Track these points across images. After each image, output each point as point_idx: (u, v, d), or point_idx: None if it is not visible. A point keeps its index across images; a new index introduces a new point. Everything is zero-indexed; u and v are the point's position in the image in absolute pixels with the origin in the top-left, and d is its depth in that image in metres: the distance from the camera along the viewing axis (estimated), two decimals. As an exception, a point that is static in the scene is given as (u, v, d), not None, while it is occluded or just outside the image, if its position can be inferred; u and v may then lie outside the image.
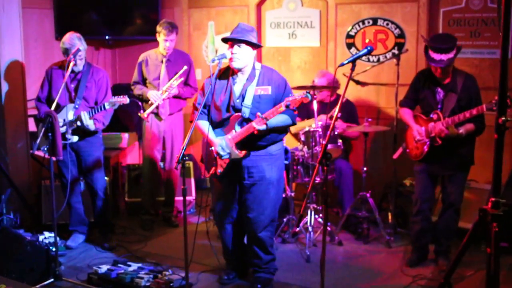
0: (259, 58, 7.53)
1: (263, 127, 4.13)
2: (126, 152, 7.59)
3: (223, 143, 4.35)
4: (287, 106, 4.07)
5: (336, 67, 3.68)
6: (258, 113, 4.13)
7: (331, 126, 3.57)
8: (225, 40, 4.34)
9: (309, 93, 4.03)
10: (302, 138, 5.81)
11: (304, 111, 6.38)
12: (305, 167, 5.86)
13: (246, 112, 4.32)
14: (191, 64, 6.35)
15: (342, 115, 6.42)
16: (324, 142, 3.53)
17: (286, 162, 5.86)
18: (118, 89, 7.29)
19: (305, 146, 5.74)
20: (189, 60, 6.38)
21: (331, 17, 7.03)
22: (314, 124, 5.75)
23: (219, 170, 4.40)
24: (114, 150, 6.99)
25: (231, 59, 4.27)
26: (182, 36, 7.76)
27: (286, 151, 5.88)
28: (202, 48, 7.85)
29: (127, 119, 7.13)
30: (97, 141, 5.81)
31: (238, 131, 4.31)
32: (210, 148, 4.40)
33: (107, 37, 7.60)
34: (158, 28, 6.14)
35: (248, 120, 4.29)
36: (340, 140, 5.97)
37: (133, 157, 7.74)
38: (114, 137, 6.96)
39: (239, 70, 4.37)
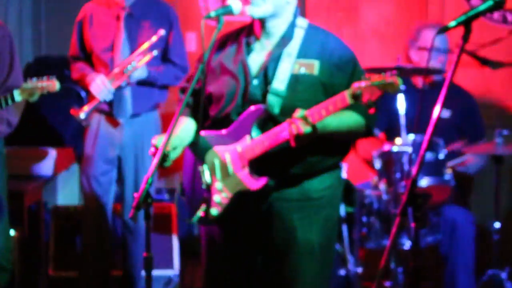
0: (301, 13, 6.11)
1: (307, 129, 3.29)
2: (55, 183, 6.21)
3: (226, 158, 3.60)
4: (355, 97, 3.23)
5: (435, 33, 2.91)
6: (298, 110, 3.32)
7: (428, 136, 2.82)
8: None
9: (400, 75, 3.20)
10: (378, 165, 4.79)
11: (382, 116, 5.05)
12: (384, 220, 4.81)
13: (274, 104, 3.49)
14: (172, 24, 5.06)
15: (454, 116, 5.24)
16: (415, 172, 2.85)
17: (351, 209, 5.13)
18: (43, 66, 6.05)
19: (383, 181, 4.76)
20: (169, 15, 5.11)
21: None
22: (400, 139, 4.75)
23: (215, 209, 3.60)
24: (30, 180, 5.63)
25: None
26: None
27: (348, 186, 5.01)
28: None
29: (56, 120, 5.93)
30: None
31: (256, 138, 3.50)
32: (200, 168, 3.63)
33: None
34: None
35: (276, 121, 3.45)
36: (449, 171, 4.79)
37: (67, 194, 6.31)
38: (30, 155, 5.74)
39: (261, 24, 3.56)
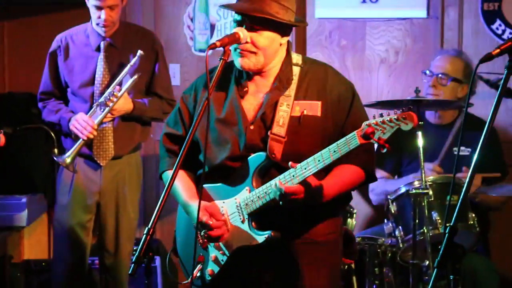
0: (300, 42, 5.96)
1: (293, 184, 3.34)
2: (22, 235, 5.78)
3: (224, 212, 3.58)
4: (365, 137, 3.16)
5: (477, 64, 2.66)
6: (291, 163, 3.35)
7: (469, 176, 2.67)
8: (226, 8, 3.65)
9: (412, 108, 3.13)
10: (393, 209, 4.78)
11: (394, 155, 5.11)
12: (399, 271, 4.83)
13: (276, 150, 3.51)
14: (158, 53, 4.92)
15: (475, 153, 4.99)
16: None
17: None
18: (7, 104, 5.94)
19: (399, 227, 4.78)
20: (154, 43, 4.96)
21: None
22: (418, 181, 4.65)
23: (213, 268, 3.62)
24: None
25: (242, 53, 3.49)
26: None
27: (348, 236, 4.43)
28: (183, 22, 6.12)
29: (25, 164, 5.63)
30: None
31: (256, 190, 3.49)
32: (196, 228, 3.49)
33: None
34: None
35: (279, 167, 3.47)
36: (471, 214, 4.70)
37: (38, 247, 6.01)
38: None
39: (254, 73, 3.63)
